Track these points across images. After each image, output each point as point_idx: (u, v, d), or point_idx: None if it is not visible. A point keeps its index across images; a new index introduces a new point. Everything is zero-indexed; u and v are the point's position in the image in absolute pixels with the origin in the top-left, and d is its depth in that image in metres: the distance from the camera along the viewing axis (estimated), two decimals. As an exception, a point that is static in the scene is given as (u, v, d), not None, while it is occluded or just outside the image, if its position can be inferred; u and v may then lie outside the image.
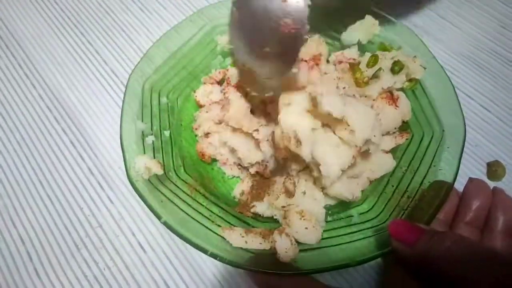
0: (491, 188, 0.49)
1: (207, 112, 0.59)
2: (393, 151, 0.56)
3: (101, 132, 0.65)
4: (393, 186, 0.53)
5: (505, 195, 0.48)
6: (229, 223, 0.51)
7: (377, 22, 0.59)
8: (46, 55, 0.74)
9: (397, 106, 0.54)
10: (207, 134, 0.59)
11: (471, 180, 0.49)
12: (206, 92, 0.62)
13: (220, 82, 0.63)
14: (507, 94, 0.67)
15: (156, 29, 0.75)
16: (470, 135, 0.64)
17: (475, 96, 0.67)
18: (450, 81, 0.54)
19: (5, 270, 0.55)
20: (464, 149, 0.61)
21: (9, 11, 0.79)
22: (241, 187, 0.56)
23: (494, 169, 0.60)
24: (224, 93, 0.57)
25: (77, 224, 0.58)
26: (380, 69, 0.55)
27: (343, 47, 0.61)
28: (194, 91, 0.62)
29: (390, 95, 0.55)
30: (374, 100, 0.54)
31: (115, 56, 0.73)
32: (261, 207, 0.53)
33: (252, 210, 0.53)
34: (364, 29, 0.60)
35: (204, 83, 0.63)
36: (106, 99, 0.68)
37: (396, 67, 0.54)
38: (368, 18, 0.59)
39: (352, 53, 0.60)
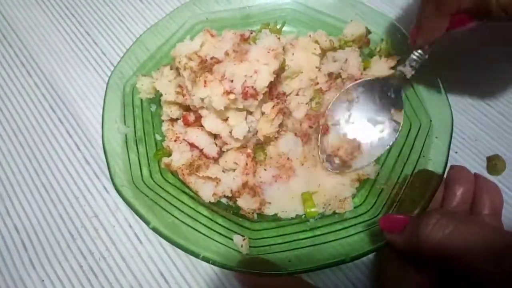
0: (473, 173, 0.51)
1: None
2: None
3: (97, 122, 0.64)
4: (383, 178, 0.53)
5: (486, 178, 0.50)
6: (218, 224, 0.50)
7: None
8: (43, 44, 0.73)
9: None
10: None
11: (452, 167, 0.51)
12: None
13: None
14: (508, 88, 0.67)
15: (154, 18, 0.74)
16: (471, 129, 0.63)
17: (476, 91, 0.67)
18: (435, 70, 0.54)
19: (-1, 260, 0.54)
20: (464, 143, 0.62)
21: (7, 1, 0.78)
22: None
23: (494, 163, 0.59)
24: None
25: (73, 214, 0.57)
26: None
27: None
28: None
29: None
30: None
31: (112, 46, 0.72)
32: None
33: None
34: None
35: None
36: (103, 88, 0.66)
37: None
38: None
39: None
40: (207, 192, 0.52)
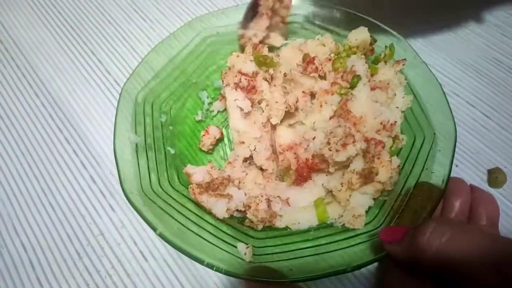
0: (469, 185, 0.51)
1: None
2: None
3: (103, 141, 0.66)
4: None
5: (482, 190, 0.50)
6: (223, 231, 0.51)
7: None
8: (49, 65, 0.74)
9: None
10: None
11: (449, 179, 0.51)
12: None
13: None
14: (508, 101, 0.67)
15: (158, 37, 0.76)
16: (471, 142, 0.64)
17: (476, 104, 0.67)
18: (440, 84, 0.55)
19: (7, 279, 0.55)
20: (465, 156, 0.62)
21: (14, 21, 0.80)
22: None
23: (495, 176, 0.60)
24: None
25: (79, 232, 0.58)
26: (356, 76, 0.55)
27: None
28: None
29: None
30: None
31: (117, 65, 0.74)
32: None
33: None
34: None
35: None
36: (108, 108, 0.69)
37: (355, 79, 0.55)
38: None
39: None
40: (220, 209, 0.52)
